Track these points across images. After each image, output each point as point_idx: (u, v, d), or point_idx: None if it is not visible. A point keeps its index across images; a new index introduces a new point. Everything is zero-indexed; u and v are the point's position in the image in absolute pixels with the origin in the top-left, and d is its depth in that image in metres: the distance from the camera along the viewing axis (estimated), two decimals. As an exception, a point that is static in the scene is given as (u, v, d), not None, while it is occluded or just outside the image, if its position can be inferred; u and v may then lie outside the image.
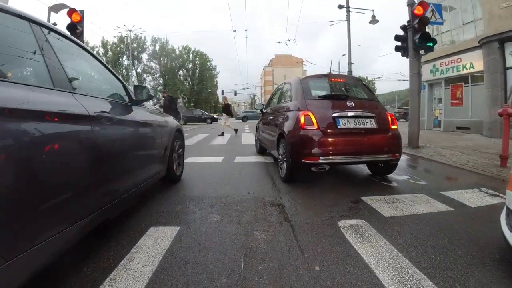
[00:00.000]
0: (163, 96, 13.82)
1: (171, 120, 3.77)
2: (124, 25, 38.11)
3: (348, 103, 3.83)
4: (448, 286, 1.60)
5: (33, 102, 1.34)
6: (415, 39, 7.34)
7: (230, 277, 1.70)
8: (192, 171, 4.75)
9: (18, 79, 1.52)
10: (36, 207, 1.28)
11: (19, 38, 1.60)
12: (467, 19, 13.37)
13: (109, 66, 2.58)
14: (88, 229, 1.79)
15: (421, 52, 7.64)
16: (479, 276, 1.70)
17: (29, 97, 1.32)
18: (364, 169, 4.83)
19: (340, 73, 13.52)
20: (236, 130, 12.65)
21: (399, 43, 7.94)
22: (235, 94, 48.47)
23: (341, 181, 4.22)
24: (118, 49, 50.87)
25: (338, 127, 3.61)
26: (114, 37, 52.35)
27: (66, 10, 8.03)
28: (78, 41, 2.22)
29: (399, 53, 8.03)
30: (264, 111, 6.19)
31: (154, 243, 2.13)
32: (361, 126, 3.71)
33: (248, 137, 11.20)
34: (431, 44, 7.37)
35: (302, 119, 3.64)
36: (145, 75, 53.60)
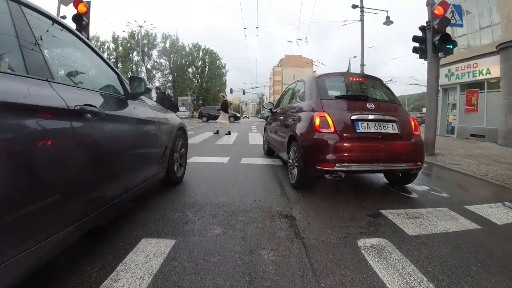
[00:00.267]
0: (156, 93, 13.33)
1: (173, 117, 3.45)
2: (135, 21, 38.10)
3: (368, 105, 3.48)
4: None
5: None
6: (435, 41, 6.99)
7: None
8: (194, 172, 4.44)
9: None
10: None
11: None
12: (484, 23, 12.87)
13: (103, 55, 2.27)
14: (69, 242, 1.51)
15: (440, 54, 7.26)
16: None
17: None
18: (380, 177, 4.47)
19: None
20: (229, 132, 11.87)
21: (417, 44, 7.59)
22: (244, 93, 48.10)
23: (356, 189, 3.88)
24: (129, 44, 50.86)
25: (357, 131, 3.27)
26: (123, 31, 52.52)
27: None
28: (66, 24, 1.92)
29: (412, 56, 7.74)
30: (274, 110, 5.86)
31: (144, 260, 1.82)
32: (382, 131, 3.36)
33: (256, 137, 10.90)
34: (451, 46, 7.03)
35: (317, 121, 3.30)
36: (154, 72, 53.52)
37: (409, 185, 4.03)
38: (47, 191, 1.32)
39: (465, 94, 13.91)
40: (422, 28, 7.42)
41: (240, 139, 10.05)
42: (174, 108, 11.58)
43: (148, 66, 52.59)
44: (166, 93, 17.66)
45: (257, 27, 49.66)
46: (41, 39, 1.54)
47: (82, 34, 5.34)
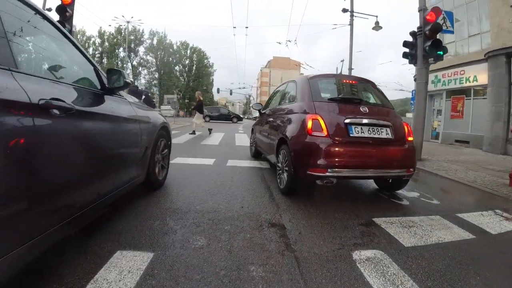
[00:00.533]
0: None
1: (155, 115, 3.21)
2: (123, 16, 37.18)
3: (362, 109, 3.34)
4: None
5: None
6: (426, 46, 6.99)
7: None
8: (178, 174, 4.19)
9: None
10: None
11: None
12: (473, 31, 13.13)
13: (78, 43, 2.03)
14: (24, 262, 1.27)
15: (430, 60, 7.26)
16: None
17: None
18: (369, 182, 4.36)
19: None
20: (194, 132, 11.42)
21: (407, 50, 7.57)
22: (231, 93, 47.82)
23: (346, 195, 3.75)
24: (115, 40, 49.73)
25: (351, 135, 3.12)
26: (110, 25, 51.35)
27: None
28: (38, 7, 1.68)
29: (398, 62, 7.77)
30: (263, 111, 5.67)
31: (118, 277, 1.60)
32: (376, 136, 3.23)
33: (242, 138, 10.69)
34: (441, 52, 7.04)
35: (309, 124, 3.13)
36: (140, 68, 52.53)
37: (399, 191, 3.96)
38: (3, 199, 1.09)
39: (451, 100, 14.16)
40: (413, 34, 7.41)
41: (226, 140, 9.81)
42: (149, 104, 11.12)
43: (134, 62, 51.63)
44: (141, 88, 17.04)
45: (247, 27, 49.39)
46: (5, 22, 1.31)
47: (65, 26, 5.01)
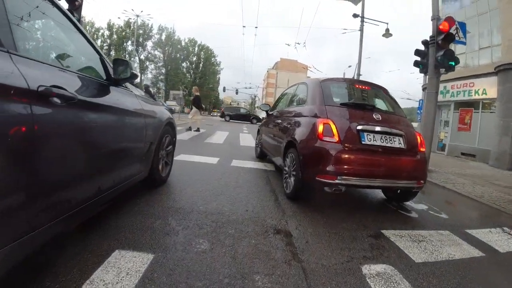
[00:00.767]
0: None
1: (161, 110, 3.11)
2: (132, 10, 37.21)
3: (375, 116, 3.23)
4: None
5: None
6: (438, 56, 6.85)
7: None
8: (181, 172, 4.09)
9: None
10: None
11: None
12: (483, 44, 12.96)
13: (85, 32, 1.93)
14: (20, 257, 1.20)
15: (442, 70, 7.14)
16: None
17: None
18: (377, 192, 4.24)
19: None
20: (198, 129, 11.29)
21: (418, 58, 7.46)
22: (237, 93, 47.70)
23: (353, 204, 3.65)
24: (124, 33, 49.86)
25: (363, 142, 3.01)
26: (119, 18, 51.51)
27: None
28: None
29: (406, 70, 7.59)
30: (271, 113, 5.56)
31: (115, 279, 1.50)
32: (388, 144, 3.12)
33: (247, 138, 10.59)
34: (453, 63, 6.90)
35: (320, 128, 3.02)
36: (148, 63, 52.61)
37: (407, 203, 3.85)
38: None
39: (459, 112, 13.97)
40: (425, 43, 7.28)
41: (230, 140, 9.71)
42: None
43: (142, 56, 51.73)
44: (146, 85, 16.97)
45: (257, 27, 49.17)
46: (8, 3, 1.23)
47: (74, 15, 4.93)
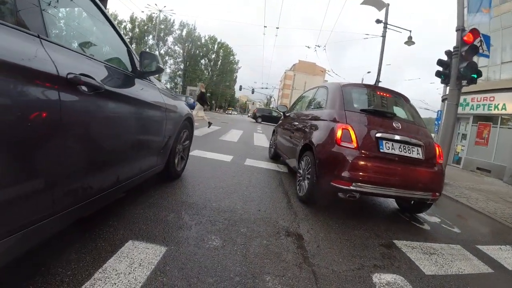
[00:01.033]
0: None
1: (181, 105, 3.14)
2: (156, 4, 37.67)
3: (394, 124, 3.18)
4: None
5: None
6: (461, 68, 6.69)
7: None
8: (195, 167, 4.13)
9: None
10: None
11: None
12: (506, 58, 12.60)
13: (114, 23, 1.97)
14: (45, 235, 1.25)
15: (464, 82, 6.97)
16: None
17: None
18: (390, 201, 4.18)
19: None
20: (210, 123, 11.18)
21: (440, 69, 7.30)
22: (252, 92, 47.82)
23: (366, 212, 3.61)
24: (146, 27, 50.69)
25: (381, 150, 2.96)
26: (142, 12, 52.39)
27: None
28: None
29: (425, 80, 7.42)
30: (287, 114, 5.54)
31: (128, 269, 1.52)
32: (406, 154, 3.06)
33: (261, 138, 10.60)
34: (475, 75, 6.73)
35: (338, 133, 2.99)
36: (167, 58, 53.26)
37: (420, 214, 3.79)
38: (22, 176, 1.04)
39: (477, 126, 13.63)
40: (448, 53, 7.12)
41: (244, 139, 9.72)
42: None
43: (162, 51, 52.41)
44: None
45: (278, 28, 48.74)
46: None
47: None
